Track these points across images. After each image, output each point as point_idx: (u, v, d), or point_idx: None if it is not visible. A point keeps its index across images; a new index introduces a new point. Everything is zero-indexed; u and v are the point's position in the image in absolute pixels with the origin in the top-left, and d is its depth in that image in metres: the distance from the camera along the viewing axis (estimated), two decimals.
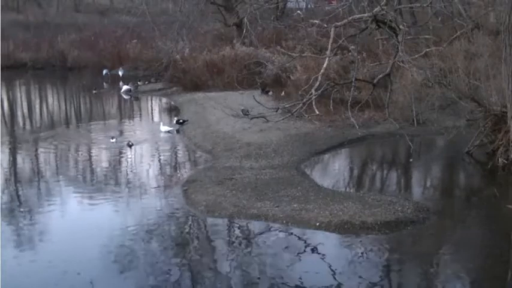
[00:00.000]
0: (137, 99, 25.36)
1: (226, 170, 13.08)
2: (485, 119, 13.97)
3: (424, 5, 15.03)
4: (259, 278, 8.28)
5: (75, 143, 17.22)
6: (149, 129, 19.58)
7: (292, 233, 9.82)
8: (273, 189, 11.66)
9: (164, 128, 18.26)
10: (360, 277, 8.29)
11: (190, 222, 10.63)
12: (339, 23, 12.69)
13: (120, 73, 30.14)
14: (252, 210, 10.62)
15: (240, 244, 9.62)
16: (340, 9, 15.31)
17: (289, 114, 13.57)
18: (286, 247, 9.33)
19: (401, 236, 9.81)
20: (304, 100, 12.40)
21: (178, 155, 16.15)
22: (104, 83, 28.81)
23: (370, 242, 9.46)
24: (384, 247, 9.44)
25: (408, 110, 16.85)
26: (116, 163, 14.94)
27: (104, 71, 30.95)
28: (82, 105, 26.64)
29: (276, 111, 14.09)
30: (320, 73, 12.09)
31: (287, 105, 13.93)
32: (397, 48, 11.92)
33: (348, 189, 12.42)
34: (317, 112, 12.28)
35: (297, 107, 12.73)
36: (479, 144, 14.19)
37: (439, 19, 22.53)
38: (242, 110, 17.23)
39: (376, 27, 12.70)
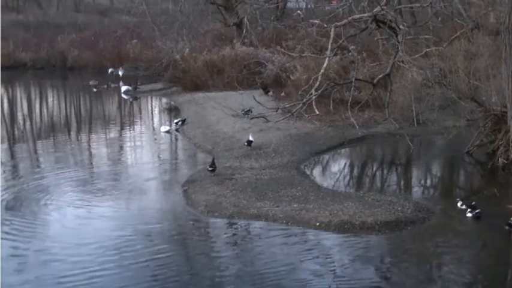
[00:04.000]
0: (137, 99, 25.37)
1: (226, 170, 13.08)
2: (485, 119, 13.97)
3: (424, 5, 15.00)
4: (259, 278, 8.27)
5: (72, 148, 17.20)
6: (149, 129, 19.59)
7: (292, 233, 9.82)
8: (273, 189, 11.67)
9: (163, 128, 18.28)
10: (360, 277, 8.29)
11: (190, 222, 10.62)
12: (339, 23, 12.64)
13: (120, 73, 30.19)
14: (252, 210, 10.63)
15: (240, 244, 9.62)
16: (340, 9, 15.30)
17: (289, 114, 13.55)
18: (286, 247, 9.33)
19: (401, 236, 9.81)
20: (304, 100, 12.36)
21: (178, 155, 16.16)
22: (110, 82, 28.84)
23: (370, 242, 9.46)
24: (384, 247, 9.45)
25: (408, 110, 16.86)
26: (115, 163, 14.92)
27: (110, 70, 31.11)
28: (82, 106, 26.64)
29: (276, 111, 14.07)
30: (320, 73, 12.04)
31: (287, 105, 13.90)
32: (397, 48, 11.88)
33: (348, 189, 12.41)
34: (317, 112, 12.23)
35: (297, 107, 12.69)
36: (479, 144, 14.20)
37: (439, 19, 22.53)
38: (244, 110, 17.28)
39: (376, 27, 12.66)
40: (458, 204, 10.78)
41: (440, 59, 16.18)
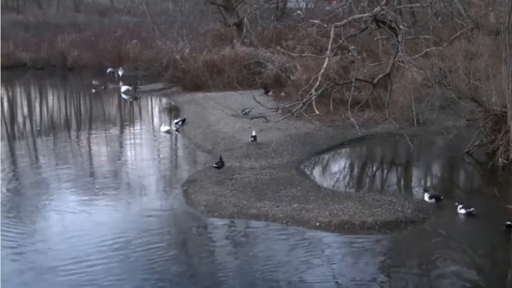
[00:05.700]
0: (137, 99, 25.37)
1: (226, 170, 13.08)
2: (485, 119, 13.97)
3: (424, 5, 14.98)
4: (258, 278, 8.28)
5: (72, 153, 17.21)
6: (148, 129, 19.59)
7: (292, 233, 9.82)
8: (273, 189, 11.67)
9: (163, 128, 18.28)
10: (360, 277, 8.29)
11: (190, 222, 10.62)
12: (339, 23, 12.64)
13: (120, 73, 30.19)
14: (252, 210, 10.63)
15: (239, 244, 9.63)
16: (340, 9, 15.26)
17: (289, 114, 13.55)
18: (286, 247, 9.32)
19: (401, 236, 9.82)
20: (304, 100, 12.35)
21: (178, 155, 16.15)
22: (108, 82, 28.80)
23: (370, 242, 9.46)
24: (384, 247, 9.45)
25: (408, 110, 16.86)
26: (115, 163, 14.92)
27: (108, 70, 31.13)
28: (82, 106, 26.63)
29: (276, 111, 14.06)
30: (320, 73, 12.04)
31: (287, 105, 13.90)
32: (397, 48, 11.88)
33: (348, 189, 12.42)
34: (317, 112, 12.23)
35: (297, 107, 12.68)
36: (479, 144, 14.20)
37: (439, 19, 22.51)
38: (244, 110, 17.31)
39: (376, 27, 12.66)
40: (426, 196, 11.05)
41: (440, 59, 16.18)
